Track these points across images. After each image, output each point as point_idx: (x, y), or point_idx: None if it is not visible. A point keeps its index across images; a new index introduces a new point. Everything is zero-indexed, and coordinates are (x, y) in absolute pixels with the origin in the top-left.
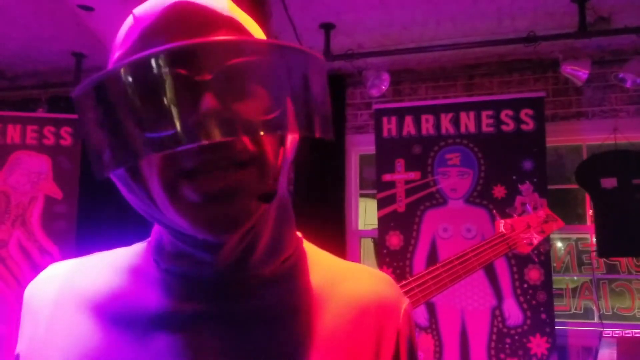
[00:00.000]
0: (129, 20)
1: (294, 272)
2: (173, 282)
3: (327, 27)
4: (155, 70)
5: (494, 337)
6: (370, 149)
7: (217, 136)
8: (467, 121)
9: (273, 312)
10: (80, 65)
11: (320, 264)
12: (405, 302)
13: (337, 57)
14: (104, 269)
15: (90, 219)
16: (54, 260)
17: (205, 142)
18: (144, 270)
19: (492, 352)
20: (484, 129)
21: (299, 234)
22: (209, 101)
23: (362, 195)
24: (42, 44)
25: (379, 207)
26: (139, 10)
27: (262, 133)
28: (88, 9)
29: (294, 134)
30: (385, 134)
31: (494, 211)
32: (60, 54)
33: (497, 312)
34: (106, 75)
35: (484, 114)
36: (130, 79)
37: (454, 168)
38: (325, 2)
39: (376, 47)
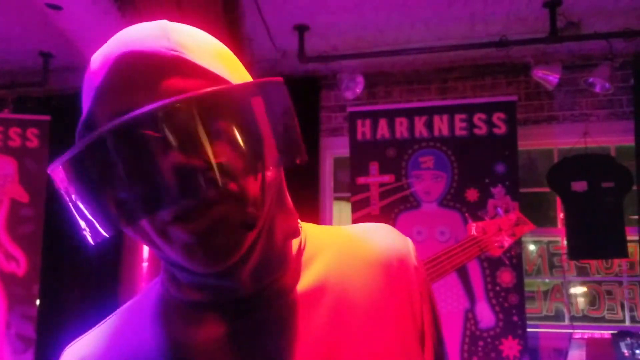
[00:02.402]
0: (87, 74)
1: (313, 251)
2: (198, 311)
3: (301, 29)
4: (115, 143)
5: (466, 339)
6: (345, 152)
7: (197, 193)
8: (441, 124)
9: (302, 305)
10: (47, 65)
11: (327, 242)
12: (409, 241)
13: (312, 59)
14: (136, 326)
15: (58, 223)
16: (20, 265)
17: (184, 201)
18: (171, 310)
19: (465, 354)
20: (457, 132)
21: (299, 221)
22: (175, 158)
23: (336, 198)
24: (9, 43)
25: (353, 210)
26: (93, 61)
27: (238, 178)
28: (56, 8)
29: (270, 168)
30: (359, 136)
31: (467, 214)
32: (27, 53)
33: (470, 315)
34: (74, 152)
35: (457, 117)
36: (94, 156)
37: (428, 171)
38: (300, 4)
39: (350, 50)
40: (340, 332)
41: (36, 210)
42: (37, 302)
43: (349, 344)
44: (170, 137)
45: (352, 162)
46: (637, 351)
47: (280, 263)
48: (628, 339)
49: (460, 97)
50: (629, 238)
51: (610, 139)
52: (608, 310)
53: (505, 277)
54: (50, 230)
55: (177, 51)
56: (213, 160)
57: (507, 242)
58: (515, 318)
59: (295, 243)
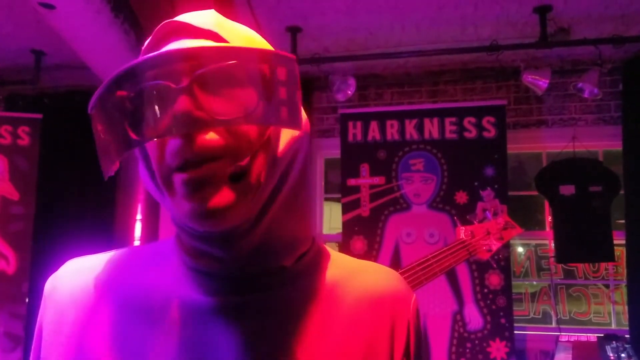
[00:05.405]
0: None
1: (312, 267)
2: (197, 277)
3: (294, 31)
4: (134, 81)
5: (454, 341)
6: (336, 153)
7: (184, 131)
8: (431, 127)
9: (290, 303)
10: (39, 63)
11: (338, 261)
12: (413, 296)
13: (304, 60)
14: (137, 264)
15: (48, 221)
16: (10, 263)
17: (170, 136)
18: (174, 266)
19: (453, 356)
20: (447, 135)
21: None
22: (181, 103)
23: (327, 199)
24: (1, 40)
25: (344, 212)
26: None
27: (225, 125)
28: (49, 7)
29: (260, 125)
30: (350, 138)
31: (455, 217)
32: (19, 51)
33: (458, 317)
34: (102, 88)
35: (448, 120)
36: (114, 92)
37: (418, 173)
38: (292, 6)
39: (342, 52)
40: (312, 347)
41: (26, 208)
42: (27, 300)
43: None
44: (188, 87)
45: (343, 163)
46: (623, 355)
47: (282, 257)
48: (614, 342)
49: (451, 100)
50: (615, 242)
51: (598, 143)
52: (594, 313)
53: (494, 279)
54: (40, 228)
55: (213, 28)
56: (216, 114)
57: (495, 245)
58: (502, 320)
59: (307, 253)
